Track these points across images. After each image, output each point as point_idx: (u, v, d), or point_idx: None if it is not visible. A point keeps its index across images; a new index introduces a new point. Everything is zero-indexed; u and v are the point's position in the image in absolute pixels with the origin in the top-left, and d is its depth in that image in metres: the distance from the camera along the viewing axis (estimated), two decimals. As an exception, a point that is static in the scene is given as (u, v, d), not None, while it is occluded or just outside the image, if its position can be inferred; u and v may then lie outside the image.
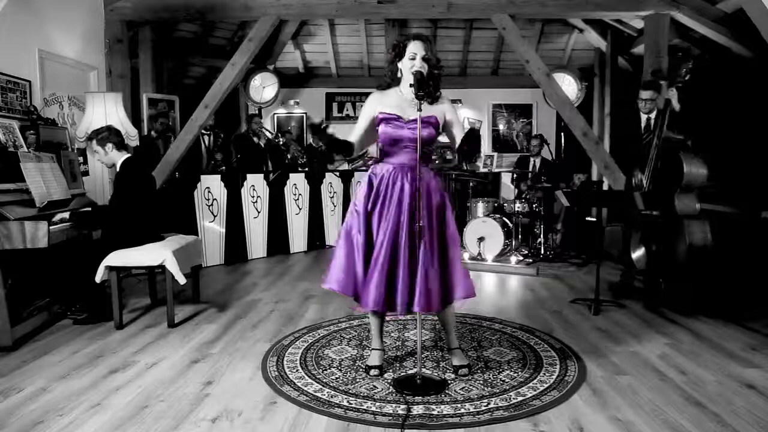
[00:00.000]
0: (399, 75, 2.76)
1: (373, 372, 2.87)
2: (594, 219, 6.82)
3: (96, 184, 5.22)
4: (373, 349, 2.99)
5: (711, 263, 3.89)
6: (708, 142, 5.11)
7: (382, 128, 2.73)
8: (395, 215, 2.65)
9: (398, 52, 2.74)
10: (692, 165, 3.91)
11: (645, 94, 4.36)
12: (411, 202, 2.64)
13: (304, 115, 9.32)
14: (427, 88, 2.65)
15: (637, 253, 4.27)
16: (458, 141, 2.76)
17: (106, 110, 4.76)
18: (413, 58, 2.67)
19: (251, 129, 7.37)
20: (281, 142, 7.56)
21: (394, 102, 2.74)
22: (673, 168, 3.96)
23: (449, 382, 2.78)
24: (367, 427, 2.34)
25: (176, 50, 7.68)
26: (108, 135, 3.84)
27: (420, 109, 2.52)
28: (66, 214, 3.71)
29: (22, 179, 3.52)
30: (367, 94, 2.92)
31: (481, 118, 9.31)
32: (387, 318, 3.28)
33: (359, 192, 2.77)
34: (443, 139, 2.98)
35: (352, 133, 2.81)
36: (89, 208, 3.93)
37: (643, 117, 4.41)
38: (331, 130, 2.66)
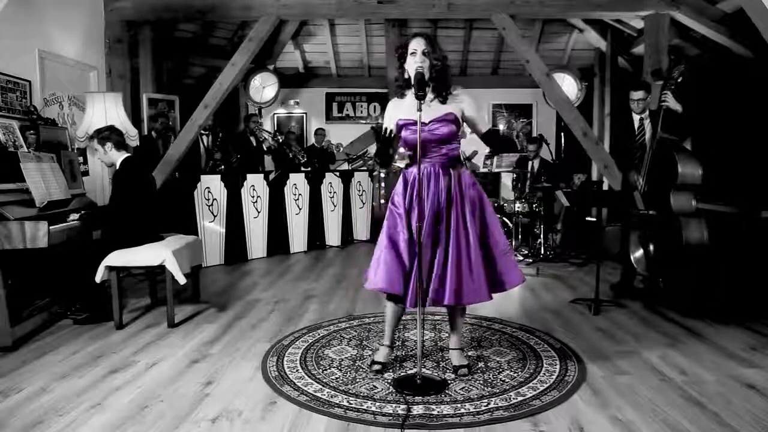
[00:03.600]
0: (407, 76, 2.77)
1: (375, 367, 2.88)
2: (594, 219, 6.82)
3: (96, 184, 5.22)
4: (382, 344, 2.99)
5: (709, 261, 3.90)
6: (708, 141, 5.11)
7: (403, 134, 2.79)
8: (431, 212, 2.70)
9: (401, 54, 2.76)
10: (687, 165, 3.94)
11: (636, 95, 4.39)
12: (443, 198, 2.70)
13: (305, 115, 9.33)
14: (427, 86, 2.66)
15: (636, 254, 4.26)
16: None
17: (106, 110, 4.75)
18: (414, 54, 2.69)
19: (249, 128, 7.37)
20: (281, 140, 7.55)
21: (409, 106, 2.75)
22: (668, 168, 3.97)
23: (449, 382, 2.78)
24: (367, 427, 2.33)
25: (176, 50, 7.68)
26: (109, 134, 3.86)
27: (420, 109, 2.52)
28: (76, 214, 3.73)
29: (22, 179, 3.53)
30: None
31: (481, 118, 9.31)
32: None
33: (395, 194, 2.82)
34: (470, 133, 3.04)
35: None
36: (96, 209, 3.95)
37: (636, 117, 4.44)
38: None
